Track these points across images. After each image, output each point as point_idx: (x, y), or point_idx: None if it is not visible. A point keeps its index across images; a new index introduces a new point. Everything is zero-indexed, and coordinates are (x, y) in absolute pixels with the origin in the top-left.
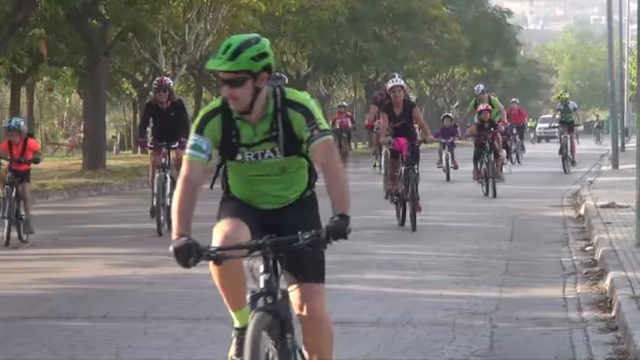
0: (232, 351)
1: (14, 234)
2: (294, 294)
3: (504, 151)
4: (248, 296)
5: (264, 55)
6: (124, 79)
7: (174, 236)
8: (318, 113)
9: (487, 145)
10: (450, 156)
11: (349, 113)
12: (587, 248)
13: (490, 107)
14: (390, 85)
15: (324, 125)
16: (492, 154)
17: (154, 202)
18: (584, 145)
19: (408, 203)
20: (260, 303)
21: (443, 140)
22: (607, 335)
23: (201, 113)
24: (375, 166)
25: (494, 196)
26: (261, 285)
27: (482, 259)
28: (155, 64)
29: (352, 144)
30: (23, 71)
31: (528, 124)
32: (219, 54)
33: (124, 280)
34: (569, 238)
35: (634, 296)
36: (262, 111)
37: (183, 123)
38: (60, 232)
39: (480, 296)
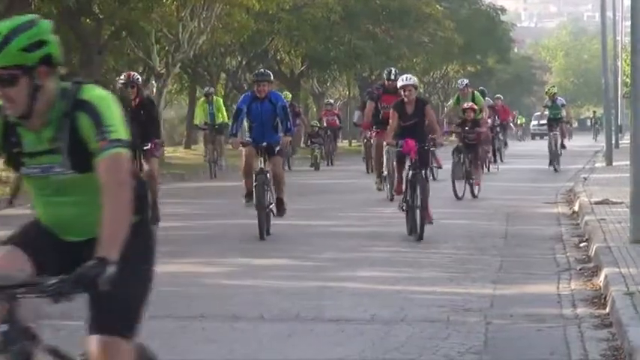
0: None
1: None
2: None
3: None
4: None
5: (40, 43)
6: (117, 77)
7: None
8: (112, 117)
9: (469, 145)
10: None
11: (337, 111)
12: (581, 245)
13: (475, 106)
14: (400, 83)
15: (119, 133)
16: (472, 156)
17: None
18: (581, 142)
19: (417, 211)
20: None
21: None
22: (601, 331)
23: None
24: (379, 189)
25: (472, 195)
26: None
27: (477, 256)
28: (149, 63)
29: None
30: None
31: (518, 121)
32: None
33: None
34: (563, 235)
35: (628, 292)
36: (46, 115)
37: (154, 122)
38: None
39: (474, 293)
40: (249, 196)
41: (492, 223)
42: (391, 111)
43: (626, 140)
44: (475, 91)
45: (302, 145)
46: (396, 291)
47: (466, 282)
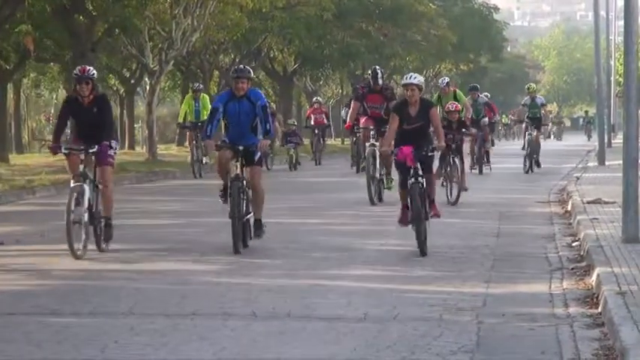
0: None
1: None
2: None
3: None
4: None
5: None
6: (110, 75)
7: None
8: None
9: (454, 146)
10: None
11: (324, 109)
12: (574, 244)
13: (459, 107)
14: (403, 81)
15: None
16: (457, 158)
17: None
18: (574, 142)
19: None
20: None
21: None
22: (593, 331)
23: None
24: (371, 200)
25: (455, 202)
26: None
27: (469, 254)
28: (142, 60)
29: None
30: (10, 67)
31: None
32: None
33: (110, 276)
34: (556, 234)
35: (620, 292)
36: None
37: (107, 122)
38: (46, 228)
39: (466, 292)
40: (224, 195)
41: (485, 221)
42: (391, 114)
43: (618, 140)
44: (457, 90)
45: (278, 144)
46: (388, 289)
47: (458, 281)
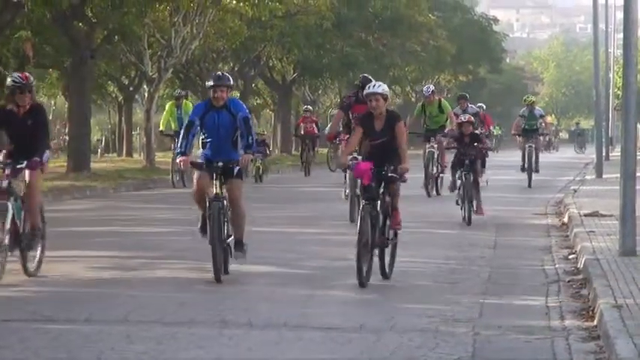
0: None
1: None
2: None
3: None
4: None
5: None
6: (109, 82)
7: None
8: None
9: (467, 162)
10: None
11: (315, 118)
12: (571, 257)
13: (472, 119)
14: (367, 90)
15: None
16: (472, 175)
17: None
18: (571, 154)
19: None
20: None
21: None
22: (589, 344)
23: None
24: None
25: (469, 223)
26: None
27: (466, 266)
28: (141, 68)
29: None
30: (9, 73)
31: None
32: None
33: (107, 283)
34: (553, 247)
35: (616, 305)
36: None
37: (41, 135)
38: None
39: (463, 303)
40: (204, 227)
41: (482, 233)
42: (355, 126)
43: (616, 153)
44: (442, 99)
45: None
46: (385, 300)
47: (455, 292)
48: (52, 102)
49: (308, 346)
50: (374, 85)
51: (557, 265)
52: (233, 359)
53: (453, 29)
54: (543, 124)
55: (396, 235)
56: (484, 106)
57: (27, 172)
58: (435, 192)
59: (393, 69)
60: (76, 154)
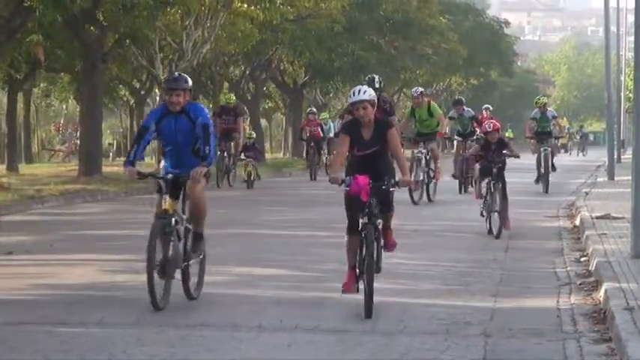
0: None
1: None
2: None
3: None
4: None
5: None
6: (120, 85)
7: None
8: None
9: (495, 171)
10: None
11: (320, 121)
12: (582, 259)
13: (497, 126)
14: (352, 98)
15: None
16: (499, 186)
17: None
18: (581, 157)
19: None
20: None
21: None
22: (600, 346)
23: None
24: None
25: (497, 236)
26: None
27: (477, 268)
28: (152, 72)
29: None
30: (20, 77)
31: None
32: None
33: (118, 287)
34: (564, 249)
35: (628, 307)
36: None
37: None
38: (55, 238)
39: (474, 306)
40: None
41: (493, 236)
42: (340, 135)
43: (628, 155)
44: (431, 102)
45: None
46: (395, 303)
47: (466, 295)
48: (64, 106)
49: (319, 349)
50: (358, 92)
51: (568, 268)
52: None
53: (464, 32)
54: (557, 127)
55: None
56: (490, 108)
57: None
58: (426, 198)
59: (405, 72)
60: (88, 157)
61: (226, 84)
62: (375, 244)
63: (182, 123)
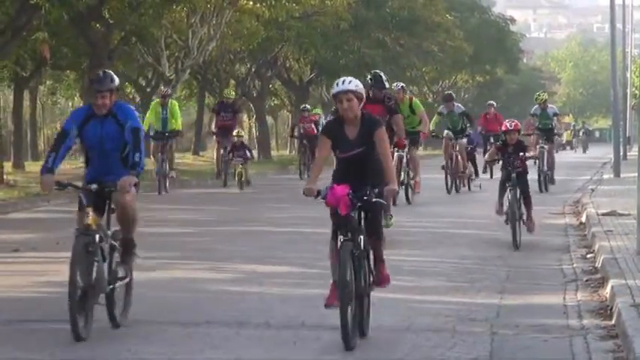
0: None
1: None
2: None
3: (470, 164)
4: None
5: None
6: (127, 83)
7: None
8: None
9: (514, 175)
10: None
11: (314, 117)
12: (588, 256)
13: (519, 125)
14: (334, 89)
15: None
16: (520, 190)
17: None
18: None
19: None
20: None
21: None
22: (607, 343)
23: None
24: None
25: (517, 246)
26: None
27: (483, 265)
28: (158, 69)
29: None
30: (26, 75)
31: None
32: None
33: None
34: (570, 246)
35: (634, 304)
36: None
37: None
38: (61, 235)
39: (480, 303)
40: None
41: (499, 232)
42: (320, 137)
43: (634, 152)
44: (413, 98)
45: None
46: (401, 299)
47: (472, 292)
48: (70, 104)
49: (325, 346)
50: (343, 82)
51: (574, 265)
52: (250, 359)
53: (470, 29)
54: (558, 124)
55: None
56: (495, 104)
57: None
58: (406, 200)
59: (410, 69)
60: None
61: (232, 82)
62: (351, 264)
63: (109, 127)
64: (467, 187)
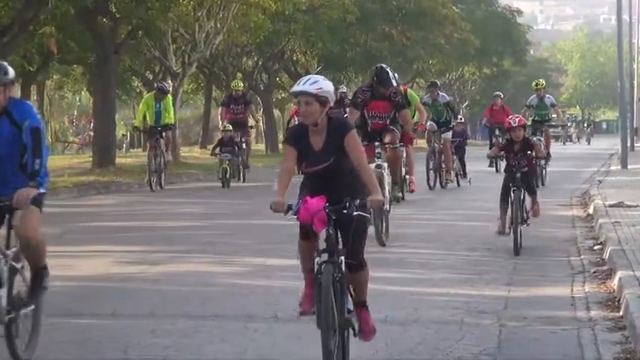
0: None
1: None
2: None
3: (456, 161)
4: None
5: None
6: (134, 77)
7: None
8: None
9: (518, 176)
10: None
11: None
12: (596, 247)
13: (524, 121)
14: (293, 88)
15: None
16: (525, 192)
17: None
18: (595, 145)
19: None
20: None
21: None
22: (615, 334)
23: None
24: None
25: (517, 252)
26: None
27: (490, 258)
28: (165, 63)
29: None
30: (33, 69)
31: None
32: None
33: (132, 278)
34: (578, 238)
35: None
36: None
37: None
38: (68, 229)
39: (488, 295)
40: None
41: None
42: (285, 145)
43: None
44: (408, 89)
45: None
46: (409, 292)
47: (480, 284)
48: (77, 98)
49: None
50: (305, 81)
51: (582, 256)
52: (258, 353)
53: (477, 22)
54: (555, 115)
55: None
56: (502, 95)
57: None
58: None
59: (417, 62)
60: (101, 149)
61: (239, 75)
62: (331, 291)
63: (3, 128)
64: (455, 182)
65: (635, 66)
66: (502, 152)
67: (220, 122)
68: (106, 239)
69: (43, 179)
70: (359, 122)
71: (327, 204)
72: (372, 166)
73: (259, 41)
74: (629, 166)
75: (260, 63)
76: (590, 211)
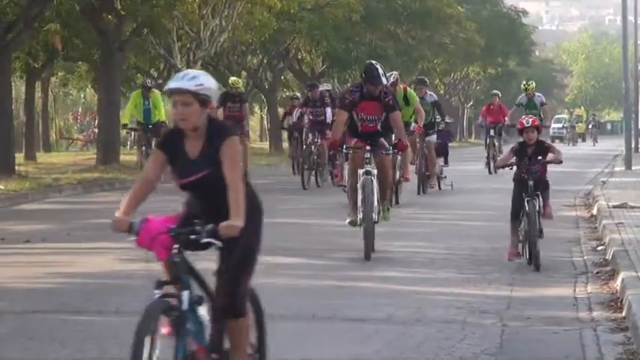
0: None
1: None
2: None
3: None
4: None
5: None
6: (138, 74)
7: None
8: None
9: (531, 183)
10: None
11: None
12: (599, 248)
13: (537, 123)
14: (168, 84)
15: None
16: (538, 201)
17: None
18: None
19: None
20: None
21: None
22: (617, 335)
23: None
24: (352, 223)
25: (537, 267)
26: None
27: (494, 257)
28: (170, 60)
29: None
30: (38, 66)
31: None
32: None
33: (136, 275)
34: (581, 238)
35: None
36: None
37: None
38: (72, 226)
39: (490, 295)
40: None
41: (509, 225)
42: (155, 152)
43: None
44: (408, 88)
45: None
46: (412, 291)
47: (483, 284)
48: (82, 95)
49: (336, 338)
50: (182, 76)
51: (585, 257)
52: None
53: (482, 22)
54: (542, 115)
55: None
56: (499, 94)
57: None
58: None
59: (422, 62)
60: (106, 146)
61: (244, 73)
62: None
63: None
64: (436, 187)
65: None
66: (514, 158)
67: None
68: (110, 236)
69: None
70: (348, 123)
71: (174, 227)
72: (361, 172)
73: (264, 39)
74: (633, 167)
75: (265, 61)
76: (594, 211)
